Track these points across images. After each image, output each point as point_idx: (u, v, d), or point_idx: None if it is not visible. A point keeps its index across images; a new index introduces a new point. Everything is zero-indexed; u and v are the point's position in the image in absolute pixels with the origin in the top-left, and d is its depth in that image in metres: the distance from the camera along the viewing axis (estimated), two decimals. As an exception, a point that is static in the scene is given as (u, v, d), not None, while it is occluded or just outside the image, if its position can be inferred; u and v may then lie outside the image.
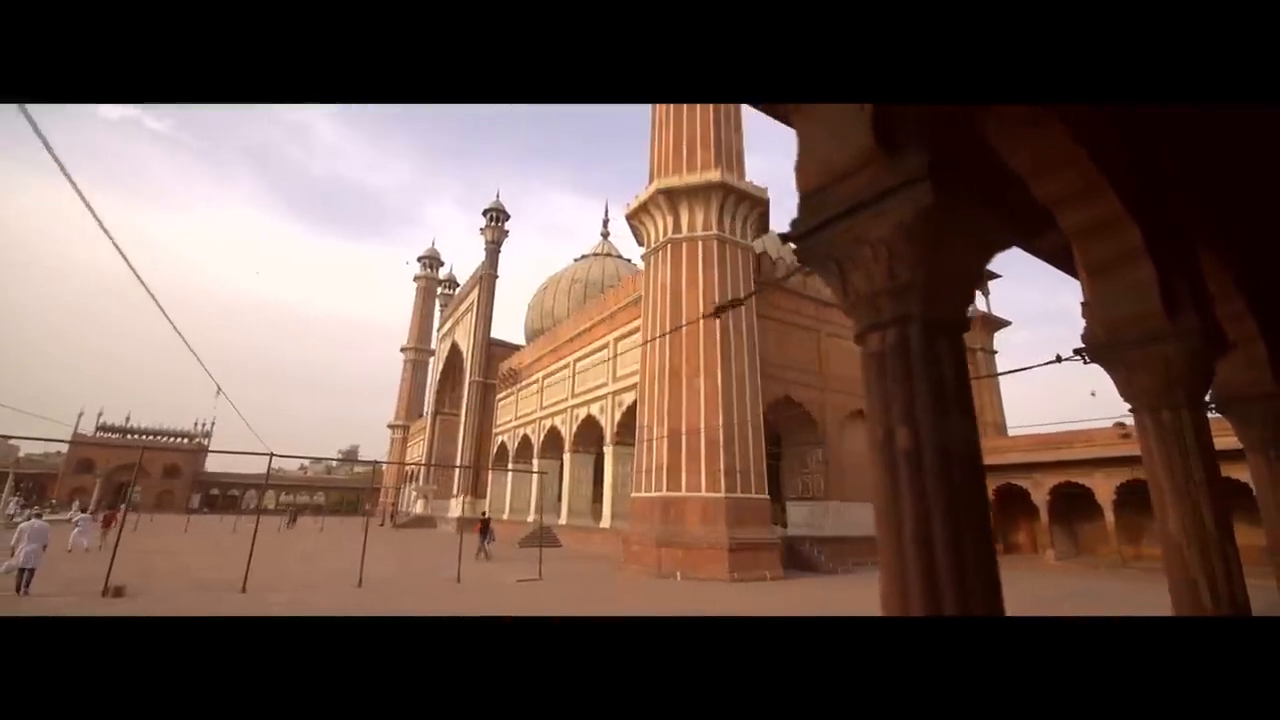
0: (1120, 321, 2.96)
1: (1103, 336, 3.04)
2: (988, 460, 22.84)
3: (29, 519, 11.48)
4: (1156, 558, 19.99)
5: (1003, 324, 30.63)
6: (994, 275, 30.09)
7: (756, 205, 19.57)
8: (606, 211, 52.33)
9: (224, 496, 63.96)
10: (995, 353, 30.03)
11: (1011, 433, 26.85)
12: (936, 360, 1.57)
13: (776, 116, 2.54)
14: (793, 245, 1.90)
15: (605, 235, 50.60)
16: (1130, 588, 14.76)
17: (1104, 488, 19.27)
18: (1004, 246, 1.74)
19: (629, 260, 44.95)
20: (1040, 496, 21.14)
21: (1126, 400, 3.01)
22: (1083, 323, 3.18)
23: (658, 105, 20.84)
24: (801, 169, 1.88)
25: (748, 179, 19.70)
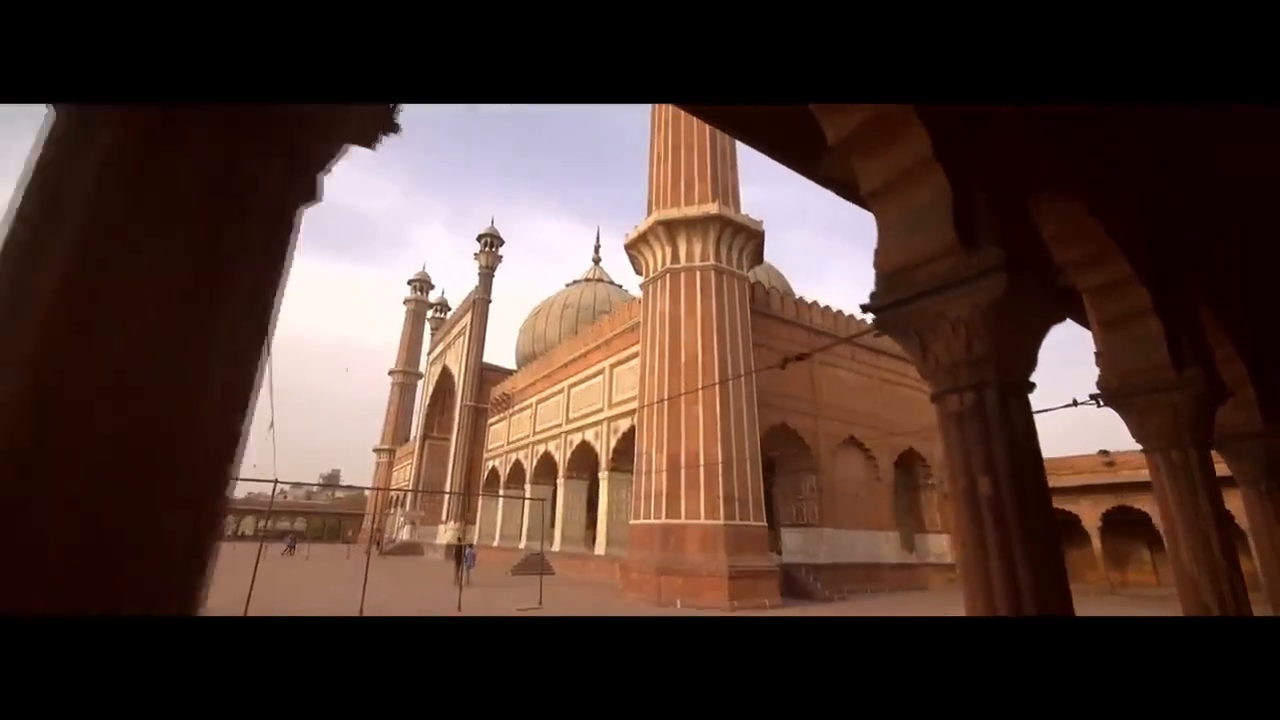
0: (1131, 372, 3.33)
1: (1116, 384, 3.41)
2: (977, 487, 23.37)
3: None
4: (1144, 584, 20.43)
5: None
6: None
7: (752, 237, 20.19)
8: (598, 238, 53.09)
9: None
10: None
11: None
12: (1009, 419, 1.89)
13: (855, 201, 2.89)
14: (871, 315, 2.23)
15: (597, 261, 51.32)
16: (1121, 614, 15.10)
17: (1090, 514, 19.76)
18: (1059, 320, 2.07)
19: (620, 286, 45.57)
20: (1029, 523, 21.56)
21: (1139, 441, 3.36)
22: (1058, 357, 3.53)
23: (656, 138, 21.53)
24: (883, 251, 2.21)
25: (743, 211, 20.37)
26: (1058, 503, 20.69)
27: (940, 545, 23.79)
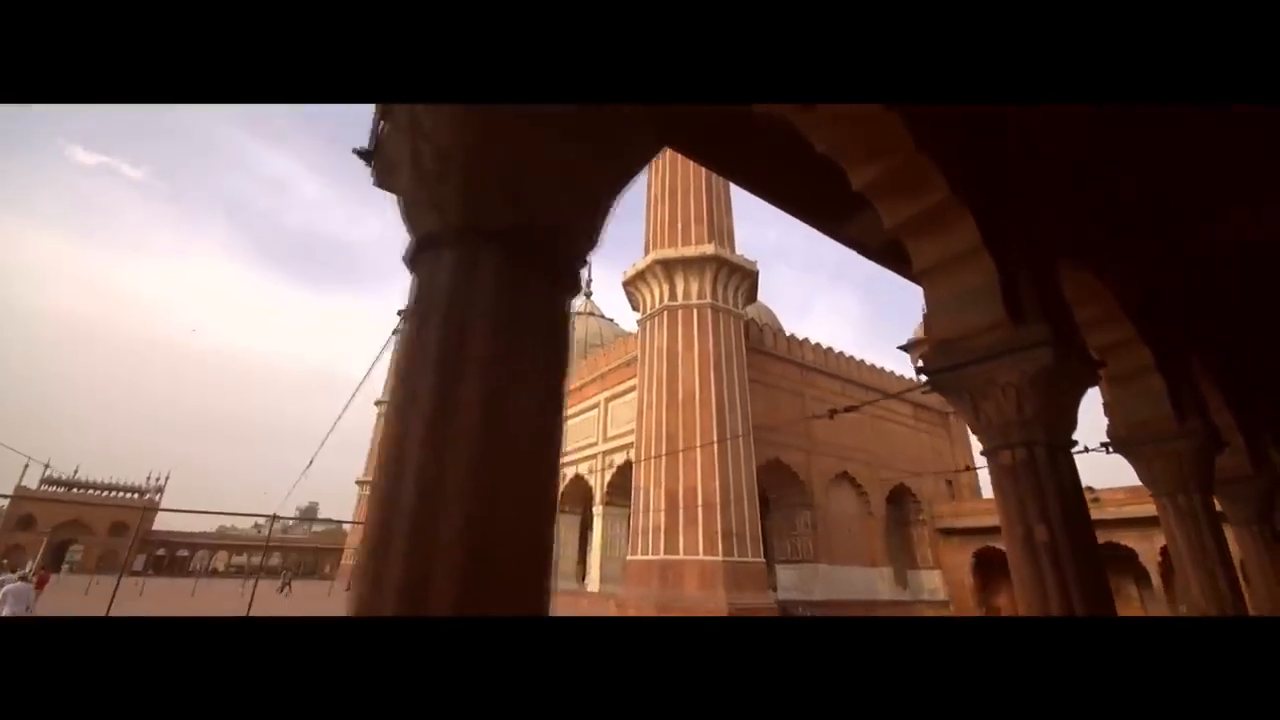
0: (1138, 423, 3.66)
1: (1124, 433, 3.73)
2: (965, 523, 23.53)
3: (13, 580, 11.00)
4: (1131, 620, 20.61)
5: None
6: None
7: (747, 276, 20.77)
8: (589, 272, 53.79)
9: (171, 558, 60.01)
10: (966, 417, 31.35)
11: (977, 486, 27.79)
12: (1059, 473, 2.16)
13: (909, 278, 3.22)
14: (926, 376, 2.52)
15: (588, 295, 51.98)
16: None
17: (1078, 550, 20.05)
18: (1093, 384, 2.38)
19: (611, 320, 46.09)
20: (1018, 559, 21.79)
21: (1148, 486, 3.67)
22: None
23: (653, 180, 22.23)
24: (935, 321, 2.52)
25: (738, 251, 21.02)
26: (1046, 539, 21.00)
27: (933, 581, 23.88)
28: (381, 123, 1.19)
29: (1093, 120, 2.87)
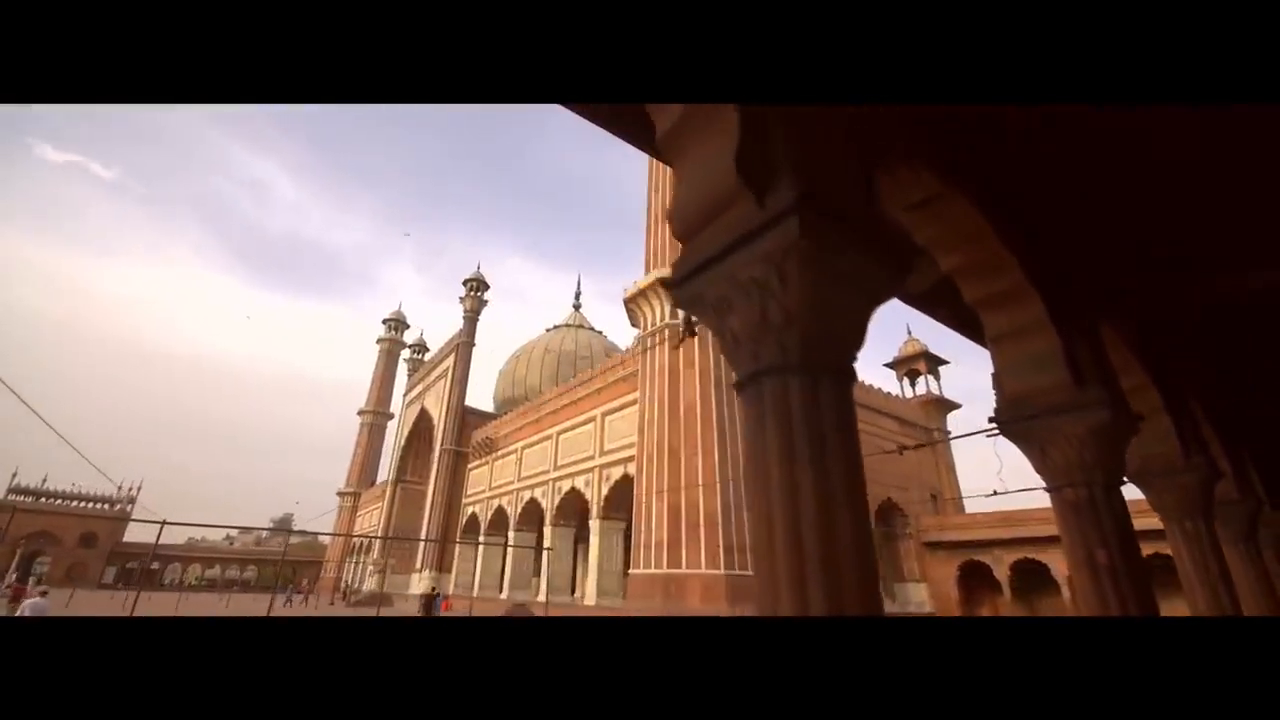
0: (1150, 457, 4.25)
1: (1138, 465, 4.31)
2: (951, 537, 24.31)
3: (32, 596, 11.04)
4: (1109, 631, 21.51)
5: (954, 406, 33.29)
6: (943, 361, 33.12)
7: (745, 296, 21.42)
8: (579, 285, 54.37)
9: (143, 570, 58.18)
10: (950, 433, 32.41)
11: (964, 501, 28.72)
12: (1114, 508, 2.69)
13: (942, 320, 3.76)
14: (998, 424, 3.05)
15: (577, 307, 52.54)
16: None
17: (1061, 564, 20.95)
18: (1136, 433, 2.92)
19: (600, 332, 46.61)
20: (1002, 573, 22.63)
21: (1158, 513, 4.25)
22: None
23: (654, 200, 22.85)
24: (1005, 380, 3.06)
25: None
26: (1030, 553, 21.87)
27: (919, 594, 24.58)
28: (692, 266, 1.65)
29: (1135, 191, 3.29)
